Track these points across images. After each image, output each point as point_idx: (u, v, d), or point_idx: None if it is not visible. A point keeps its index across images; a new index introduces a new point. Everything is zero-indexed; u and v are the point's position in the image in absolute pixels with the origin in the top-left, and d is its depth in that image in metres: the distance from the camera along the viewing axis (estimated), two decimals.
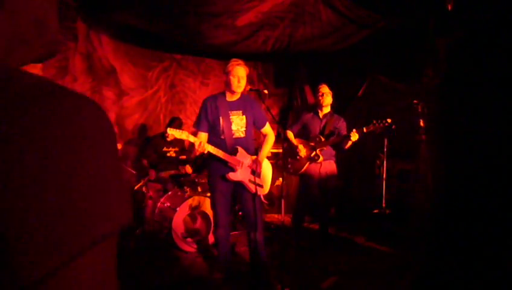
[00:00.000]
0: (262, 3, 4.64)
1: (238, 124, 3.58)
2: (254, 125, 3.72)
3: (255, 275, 3.70)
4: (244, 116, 3.60)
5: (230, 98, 3.59)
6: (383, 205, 5.34)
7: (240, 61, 3.50)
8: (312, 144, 4.74)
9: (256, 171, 3.58)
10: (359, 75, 6.59)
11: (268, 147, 3.77)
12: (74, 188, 0.41)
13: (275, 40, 5.85)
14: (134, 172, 5.27)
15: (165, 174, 5.48)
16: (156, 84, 6.46)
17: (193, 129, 3.74)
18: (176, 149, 5.74)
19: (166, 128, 5.62)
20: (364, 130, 4.55)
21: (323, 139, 4.71)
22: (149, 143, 5.75)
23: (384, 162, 5.35)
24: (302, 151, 4.71)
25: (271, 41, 5.91)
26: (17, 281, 0.38)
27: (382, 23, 5.11)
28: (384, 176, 5.36)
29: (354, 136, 4.48)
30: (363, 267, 4.21)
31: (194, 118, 6.87)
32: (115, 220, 0.45)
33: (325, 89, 4.81)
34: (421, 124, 3.96)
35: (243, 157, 3.57)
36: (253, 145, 3.73)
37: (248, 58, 7.09)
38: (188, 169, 5.52)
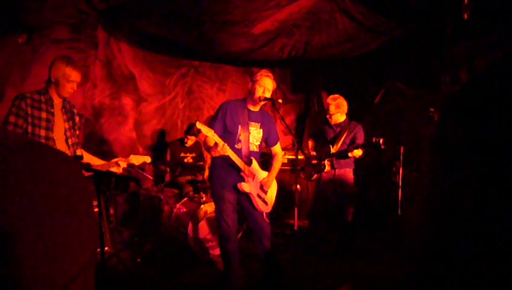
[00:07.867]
0: (278, 12, 4.67)
1: (254, 136, 3.48)
2: (265, 142, 3.63)
3: (271, 281, 3.53)
4: (261, 130, 3.51)
5: (252, 107, 3.48)
6: (399, 213, 5.30)
7: (270, 74, 3.44)
8: (322, 153, 4.77)
9: (264, 188, 3.51)
10: (376, 82, 6.56)
11: (278, 166, 3.67)
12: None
13: (291, 47, 5.88)
14: (151, 177, 5.35)
15: (181, 179, 5.54)
16: (173, 91, 6.55)
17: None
18: (193, 155, 5.80)
19: (184, 134, 5.74)
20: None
21: (332, 149, 4.69)
22: (166, 149, 5.83)
23: (400, 169, 5.31)
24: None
25: (287, 49, 5.94)
26: None
27: (398, 30, 5.10)
28: (400, 183, 5.32)
29: (351, 153, 4.47)
30: (377, 275, 4.18)
31: None
32: (90, 249, 0.54)
33: (331, 101, 4.79)
34: None
35: (256, 170, 3.48)
36: (259, 161, 3.61)
37: (265, 65, 7.16)
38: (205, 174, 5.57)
